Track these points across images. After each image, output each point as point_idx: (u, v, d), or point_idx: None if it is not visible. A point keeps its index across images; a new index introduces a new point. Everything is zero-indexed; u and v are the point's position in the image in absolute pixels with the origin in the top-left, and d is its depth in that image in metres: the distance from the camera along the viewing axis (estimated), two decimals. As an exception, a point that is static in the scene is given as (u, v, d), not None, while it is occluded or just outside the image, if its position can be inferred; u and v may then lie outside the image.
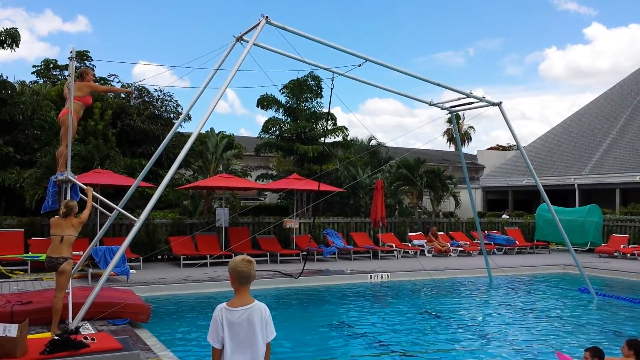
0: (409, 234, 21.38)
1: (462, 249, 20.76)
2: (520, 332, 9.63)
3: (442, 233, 21.76)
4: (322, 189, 17.78)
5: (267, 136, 26.57)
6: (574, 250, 13.92)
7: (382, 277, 14.97)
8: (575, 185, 31.53)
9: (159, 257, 16.90)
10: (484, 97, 12.94)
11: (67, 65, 16.90)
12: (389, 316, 10.99)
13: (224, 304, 3.67)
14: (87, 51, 24.12)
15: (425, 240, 20.70)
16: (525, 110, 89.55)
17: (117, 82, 24.64)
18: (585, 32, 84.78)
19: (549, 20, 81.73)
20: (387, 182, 23.74)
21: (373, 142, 27.67)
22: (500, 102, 12.88)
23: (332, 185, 20.87)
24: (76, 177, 8.96)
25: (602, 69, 79.75)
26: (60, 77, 24.92)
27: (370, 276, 14.92)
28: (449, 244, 20.68)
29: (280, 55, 10.70)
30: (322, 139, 24.80)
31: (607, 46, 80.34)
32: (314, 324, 10.25)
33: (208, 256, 15.71)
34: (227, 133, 25.82)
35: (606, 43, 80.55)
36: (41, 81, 24.09)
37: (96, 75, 24.53)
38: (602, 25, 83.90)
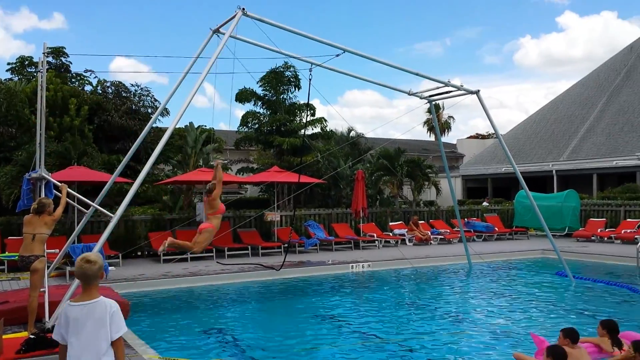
0: (390, 223, 21.47)
1: (442, 237, 20.93)
2: (499, 317, 9.75)
3: (422, 222, 21.90)
4: (302, 181, 17.77)
5: (246, 130, 26.45)
6: (553, 235, 14.10)
7: (363, 267, 15.04)
8: (553, 172, 31.91)
9: (139, 253, 16.75)
10: (462, 86, 13.04)
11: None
12: (371, 305, 11.05)
13: (69, 299, 3.63)
14: (63, 47, 23.82)
15: (406, 230, 20.81)
16: (503, 99, 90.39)
17: (94, 77, 24.33)
18: (558, 20, 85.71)
19: (523, 9, 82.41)
20: (367, 173, 23.81)
21: (353, 134, 27.71)
22: (478, 90, 12.95)
23: (313, 177, 20.87)
24: (50, 174, 8.83)
25: (575, 56, 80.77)
26: (35, 74, 24.54)
27: (352, 266, 14.97)
28: (429, 233, 20.83)
29: (258, 47, 10.66)
30: (302, 131, 24.75)
31: (580, 34, 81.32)
32: (296, 315, 10.27)
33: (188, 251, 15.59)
34: (207, 127, 25.68)
35: (579, 31, 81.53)
36: (16, 78, 23.71)
37: (72, 71, 24.26)
38: (575, 13, 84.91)
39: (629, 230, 19.79)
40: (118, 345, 3.64)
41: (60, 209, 7.86)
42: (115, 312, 3.61)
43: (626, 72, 35.30)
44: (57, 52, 23.59)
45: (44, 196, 8.23)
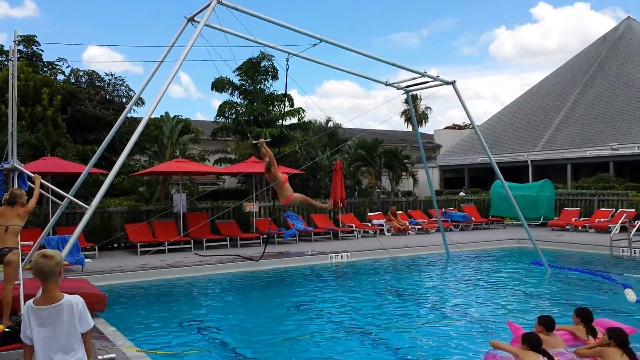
0: (369, 214, 21.55)
1: (420, 227, 21.07)
2: (476, 305, 9.86)
3: (400, 212, 22.02)
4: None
5: (223, 120, 26.21)
6: (528, 224, 14.29)
7: (342, 257, 15.08)
8: (529, 162, 32.32)
9: (115, 245, 16.54)
10: (438, 76, 13.11)
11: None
12: (350, 295, 11.08)
13: (32, 300, 3.56)
14: (34, 35, 23.38)
15: (384, 220, 20.90)
16: (479, 90, 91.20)
17: (67, 67, 23.90)
18: (532, 11, 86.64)
19: (499, 0, 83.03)
20: (346, 163, 23.82)
21: (331, 124, 27.68)
22: (454, 81, 13.04)
23: (292, 167, 20.79)
24: (23, 165, 8.65)
25: (549, 48, 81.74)
26: (6, 62, 23.99)
27: (331, 257, 15.01)
28: (407, 223, 20.96)
29: (234, 36, 10.54)
30: (280, 121, 24.65)
31: (554, 25, 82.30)
32: (275, 305, 10.26)
33: (166, 242, 15.47)
34: (183, 117, 25.40)
35: (553, 22, 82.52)
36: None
37: (44, 60, 23.77)
38: (549, 4, 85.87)
39: (602, 220, 20.15)
40: (87, 338, 3.65)
41: (33, 201, 7.70)
42: (82, 309, 3.62)
43: (599, 63, 35.82)
44: (29, 40, 23.12)
45: (16, 187, 8.06)
